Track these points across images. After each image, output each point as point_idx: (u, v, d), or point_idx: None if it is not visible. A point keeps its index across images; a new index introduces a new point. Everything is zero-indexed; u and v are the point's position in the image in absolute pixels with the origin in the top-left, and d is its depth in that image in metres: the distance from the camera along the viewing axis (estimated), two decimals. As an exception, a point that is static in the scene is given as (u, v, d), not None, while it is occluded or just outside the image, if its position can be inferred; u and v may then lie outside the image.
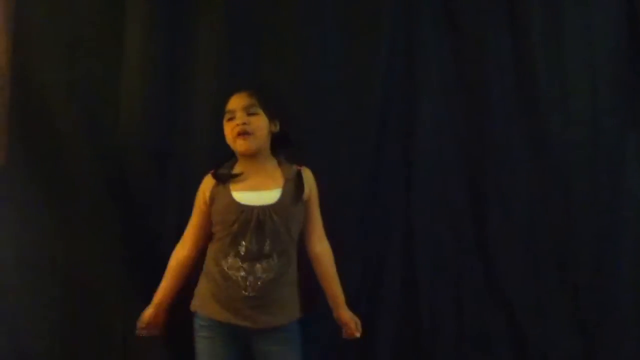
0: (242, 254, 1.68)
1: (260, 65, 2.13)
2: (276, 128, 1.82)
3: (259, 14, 2.14)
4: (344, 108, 2.15)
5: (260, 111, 1.77)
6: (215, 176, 1.78)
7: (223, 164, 1.82)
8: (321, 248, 1.83)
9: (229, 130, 1.76)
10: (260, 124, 1.76)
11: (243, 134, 1.73)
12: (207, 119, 2.07)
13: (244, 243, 1.68)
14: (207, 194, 1.78)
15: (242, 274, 1.68)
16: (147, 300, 1.93)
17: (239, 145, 1.74)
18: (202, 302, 1.75)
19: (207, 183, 1.80)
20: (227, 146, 1.81)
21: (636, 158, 2.24)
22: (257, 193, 1.72)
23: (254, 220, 1.68)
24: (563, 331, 2.17)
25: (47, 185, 2.01)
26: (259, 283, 1.67)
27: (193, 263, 1.82)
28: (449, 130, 2.22)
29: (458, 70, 2.23)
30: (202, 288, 1.77)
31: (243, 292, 1.67)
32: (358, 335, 1.83)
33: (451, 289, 2.17)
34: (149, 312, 1.81)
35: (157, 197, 2.07)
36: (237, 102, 1.77)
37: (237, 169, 1.79)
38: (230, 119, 1.76)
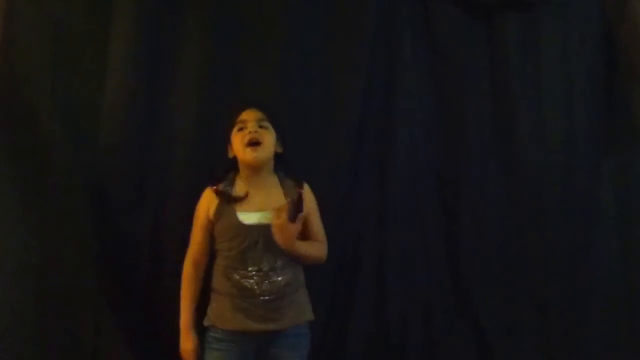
0: (253, 268, 1.70)
1: (240, 78, 2.16)
2: (280, 149, 1.83)
3: (240, 27, 2.17)
4: (322, 125, 2.18)
5: (270, 126, 1.80)
6: (218, 194, 1.78)
7: (222, 178, 1.82)
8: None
9: (239, 139, 1.76)
10: (270, 137, 1.78)
11: (255, 143, 1.74)
12: (188, 127, 2.10)
13: (251, 262, 1.70)
14: (212, 211, 1.77)
15: (257, 279, 1.69)
16: (119, 304, 1.96)
17: (248, 154, 1.74)
18: (219, 317, 1.73)
19: (210, 199, 1.79)
20: (212, 154, 1.83)
21: (611, 183, 2.26)
22: (262, 213, 1.73)
23: (262, 240, 1.70)
24: (532, 350, 2.18)
25: (25, 187, 2.02)
26: (274, 286, 1.69)
27: (202, 275, 1.82)
28: (424, 152, 2.24)
29: (436, 91, 2.27)
30: (216, 306, 1.75)
31: (260, 297, 1.68)
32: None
33: (421, 306, 2.18)
34: (192, 345, 1.76)
35: (134, 202, 2.08)
36: (249, 114, 1.79)
37: (238, 185, 1.79)
38: (241, 129, 1.78)
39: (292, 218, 1.67)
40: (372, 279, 2.17)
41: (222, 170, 1.84)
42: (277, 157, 1.83)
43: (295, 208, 1.68)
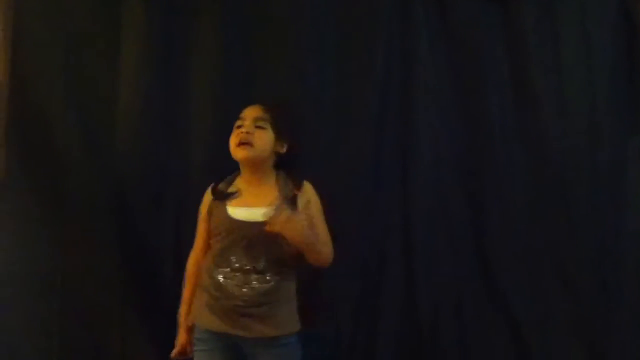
0: (234, 266, 1.68)
1: (255, 79, 2.14)
2: (283, 149, 1.80)
3: (253, 27, 2.16)
4: (340, 124, 2.16)
5: (269, 127, 1.77)
6: (213, 192, 1.79)
7: (226, 177, 1.82)
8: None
9: (233, 137, 1.77)
10: (264, 138, 1.76)
11: (244, 143, 1.73)
12: (205, 131, 2.10)
13: (233, 258, 1.68)
14: (206, 208, 1.79)
15: (237, 283, 1.67)
16: (145, 313, 1.94)
17: (237, 152, 1.75)
18: (199, 314, 1.73)
19: (207, 196, 1.82)
20: (228, 159, 1.80)
21: (637, 164, 2.21)
22: (251, 210, 1.71)
23: (246, 237, 1.68)
24: (568, 347, 2.14)
25: (45, 198, 2.03)
26: (253, 293, 1.66)
27: None
28: (446, 142, 2.21)
29: (455, 81, 2.23)
30: (198, 301, 1.75)
31: (237, 301, 1.66)
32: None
33: (453, 302, 2.15)
34: (184, 338, 1.78)
35: (155, 210, 2.07)
36: (249, 112, 1.78)
37: (237, 183, 1.80)
38: (239, 127, 1.77)
39: None
40: (400, 276, 2.14)
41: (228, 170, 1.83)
42: (281, 157, 1.81)
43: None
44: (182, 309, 1.80)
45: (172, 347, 1.88)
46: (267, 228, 1.61)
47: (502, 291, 2.16)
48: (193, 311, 1.76)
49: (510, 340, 2.13)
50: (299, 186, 1.77)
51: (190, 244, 1.96)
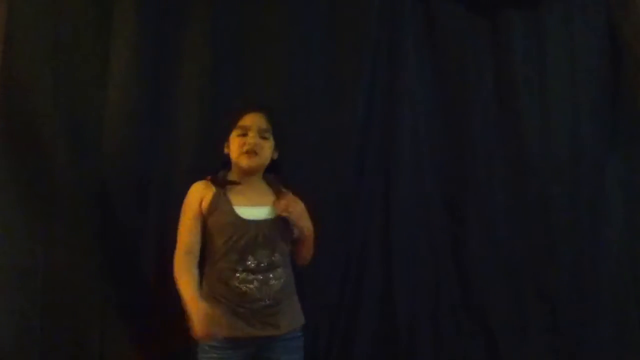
0: (253, 267, 1.69)
1: (242, 83, 2.15)
2: (275, 156, 1.82)
3: (242, 30, 2.16)
4: (325, 126, 2.17)
5: (271, 137, 1.79)
6: (213, 182, 1.76)
7: (216, 174, 1.81)
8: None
9: (238, 144, 1.75)
10: (268, 149, 1.78)
11: (252, 152, 1.74)
12: (191, 133, 2.10)
13: (251, 258, 1.69)
14: (207, 201, 1.73)
15: (256, 284, 1.68)
16: (125, 311, 1.96)
17: (243, 161, 1.74)
18: (217, 324, 1.64)
19: (203, 192, 1.76)
20: (215, 160, 1.82)
21: (616, 182, 2.25)
22: (258, 208, 1.74)
23: (261, 234, 1.70)
24: (540, 348, 2.17)
25: (30, 196, 2.02)
26: (272, 291, 1.69)
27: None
28: (429, 151, 2.24)
29: (440, 91, 2.26)
30: (212, 312, 1.65)
31: (260, 302, 1.68)
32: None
33: (430, 309, 2.17)
34: (204, 311, 1.62)
35: (138, 209, 2.07)
36: (253, 121, 1.77)
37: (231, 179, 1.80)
38: (242, 135, 1.76)
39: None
40: (379, 280, 2.16)
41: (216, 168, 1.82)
42: (270, 163, 1.82)
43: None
44: (188, 291, 1.65)
45: (152, 345, 1.93)
46: (289, 215, 1.70)
47: (478, 300, 2.19)
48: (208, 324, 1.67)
49: (485, 348, 2.16)
50: (287, 188, 1.81)
51: (172, 243, 1.97)
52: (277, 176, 1.84)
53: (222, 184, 1.76)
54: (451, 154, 2.24)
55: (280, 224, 1.73)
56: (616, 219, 2.25)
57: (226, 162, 1.82)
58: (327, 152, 2.16)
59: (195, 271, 1.73)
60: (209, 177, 1.78)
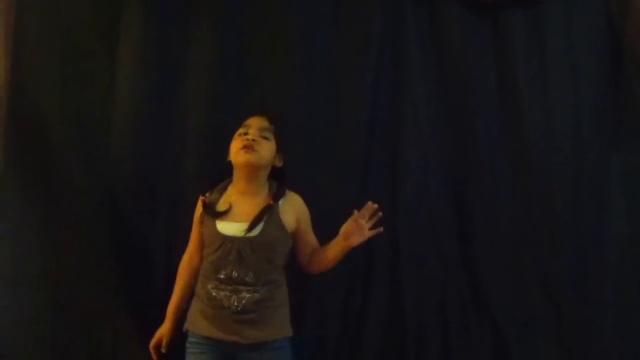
0: (223, 279, 1.71)
1: (248, 85, 2.17)
2: (280, 163, 1.84)
3: (248, 32, 2.19)
4: (330, 128, 2.19)
5: (273, 139, 1.80)
6: (203, 206, 1.80)
7: (217, 184, 1.84)
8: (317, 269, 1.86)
9: (237, 142, 1.77)
10: (268, 148, 1.78)
11: (249, 147, 1.74)
12: (198, 134, 2.13)
13: (223, 272, 1.71)
14: (198, 216, 1.82)
15: (227, 293, 1.70)
16: (137, 314, 1.98)
17: (240, 156, 1.74)
18: (193, 321, 1.77)
19: (200, 205, 1.83)
20: (221, 162, 1.84)
21: (619, 179, 2.26)
22: (240, 224, 1.73)
23: (234, 251, 1.71)
24: (547, 349, 2.18)
25: (39, 199, 2.04)
26: (243, 301, 1.69)
27: (197, 273, 1.84)
28: (434, 152, 2.25)
29: (443, 92, 2.27)
30: (193, 308, 1.79)
31: (228, 308, 1.69)
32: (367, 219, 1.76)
33: (436, 305, 2.18)
34: (165, 329, 1.85)
35: (146, 210, 2.10)
36: (255, 121, 1.80)
37: (228, 194, 1.81)
38: (243, 134, 1.78)
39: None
40: (386, 281, 2.17)
41: (219, 176, 1.85)
42: (275, 171, 1.84)
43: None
44: (171, 301, 1.85)
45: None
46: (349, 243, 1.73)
47: (485, 297, 2.20)
48: (188, 318, 1.80)
49: (492, 344, 2.17)
50: (277, 196, 1.79)
51: (182, 246, 2.00)
52: (283, 185, 1.83)
53: (210, 214, 1.76)
54: (456, 154, 2.25)
55: (265, 244, 1.72)
56: (619, 216, 2.25)
57: (227, 174, 1.84)
58: (332, 153, 2.18)
59: (189, 277, 1.84)
60: (203, 198, 1.81)
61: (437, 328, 2.17)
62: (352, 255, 2.11)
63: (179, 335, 1.83)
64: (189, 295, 1.83)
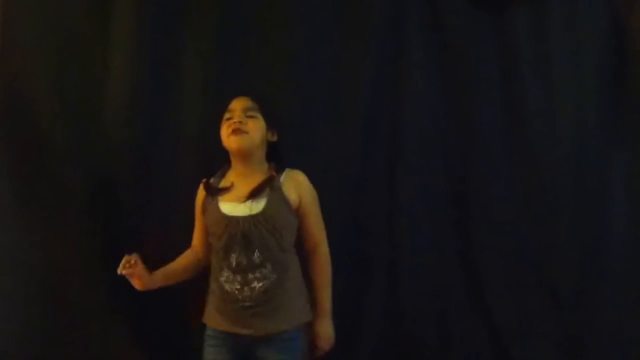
0: (234, 266, 1.69)
1: (245, 75, 2.13)
2: (273, 137, 1.82)
3: (246, 20, 2.15)
4: (329, 123, 2.16)
5: (260, 115, 1.78)
6: (205, 188, 1.79)
7: (216, 172, 1.83)
8: (317, 256, 1.82)
9: (225, 128, 1.76)
10: (257, 126, 1.76)
11: (237, 130, 1.72)
12: (193, 125, 2.09)
13: (234, 255, 1.69)
14: (200, 204, 1.81)
15: (237, 286, 1.69)
16: (127, 307, 1.95)
17: (232, 142, 1.73)
18: (209, 315, 1.78)
19: (200, 193, 1.82)
20: (218, 153, 1.81)
21: (622, 177, 2.24)
22: (244, 204, 1.71)
23: (240, 231, 1.68)
24: (548, 350, 2.16)
25: (28, 190, 2.01)
26: (254, 293, 1.68)
27: (200, 265, 1.84)
28: (434, 148, 2.22)
29: (445, 86, 2.24)
30: (209, 303, 1.80)
31: (240, 303, 1.69)
32: (322, 352, 1.80)
33: (437, 308, 2.17)
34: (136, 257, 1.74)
35: (140, 202, 2.07)
36: (237, 103, 1.79)
37: (228, 177, 1.80)
38: (229, 119, 1.77)
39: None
40: (384, 279, 2.15)
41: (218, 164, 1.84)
42: (271, 146, 1.82)
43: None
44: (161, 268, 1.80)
45: (159, 342, 1.96)
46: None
47: (485, 298, 2.18)
48: (206, 312, 1.80)
49: (492, 344, 2.15)
50: (278, 170, 1.78)
51: (178, 240, 1.97)
52: (278, 163, 1.82)
53: (213, 192, 1.75)
54: (456, 150, 2.22)
55: (270, 220, 1.69)
56: (622, 213, 2.23)
57: (226, 160, 1.82)
58: (330, 149, 2.14)
59: (185, 260, 1.84)
60: (204, 181, 1.79)
61: (435, 331, 2.15)
62: (350, 253, 2.11)
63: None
64: (179, 273, 1.82)
